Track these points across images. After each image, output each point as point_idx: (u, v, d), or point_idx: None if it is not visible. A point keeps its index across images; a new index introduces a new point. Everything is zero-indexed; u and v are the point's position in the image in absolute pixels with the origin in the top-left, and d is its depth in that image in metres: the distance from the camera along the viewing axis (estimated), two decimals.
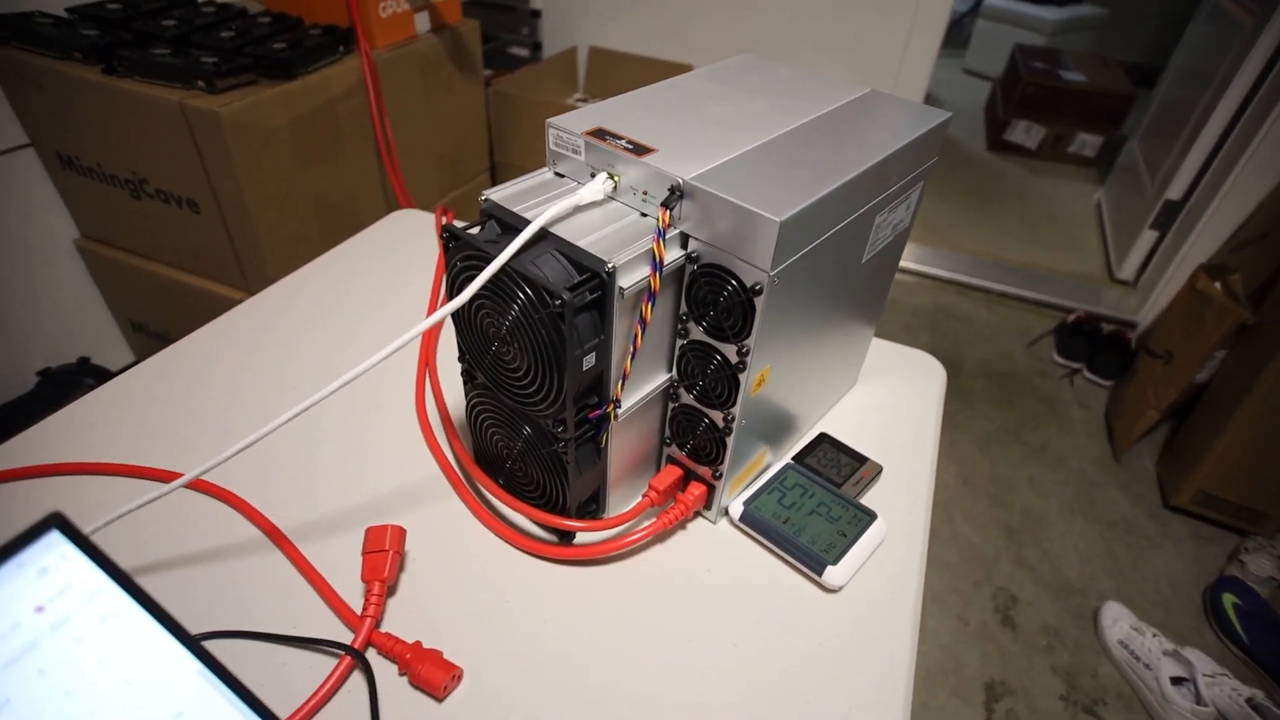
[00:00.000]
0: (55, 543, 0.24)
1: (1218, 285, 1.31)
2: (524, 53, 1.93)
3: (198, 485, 0.49)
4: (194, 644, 0.27)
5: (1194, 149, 1.69)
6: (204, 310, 1.08)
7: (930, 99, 1.62)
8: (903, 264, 2.01)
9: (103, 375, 1.23)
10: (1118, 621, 1.13)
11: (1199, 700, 0.99)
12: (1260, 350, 1.21)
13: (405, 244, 0.76)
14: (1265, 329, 1.23)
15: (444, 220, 0.77)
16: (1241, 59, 1.58)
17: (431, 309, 0.66)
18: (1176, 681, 1.03)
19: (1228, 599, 1.16)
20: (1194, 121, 1.73)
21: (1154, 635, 1.09)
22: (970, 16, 3.34)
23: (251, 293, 0.99)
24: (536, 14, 1.85)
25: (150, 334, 1.31)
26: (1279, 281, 1.26)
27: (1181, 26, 2.16)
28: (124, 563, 0.44)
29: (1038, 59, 2.64)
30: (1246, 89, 1.58)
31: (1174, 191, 1.74)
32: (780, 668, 0.41)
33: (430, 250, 0.74)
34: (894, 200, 0.45)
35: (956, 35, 3.38)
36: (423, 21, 1.25)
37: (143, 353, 1.36)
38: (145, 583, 0.43)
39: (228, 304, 0.66)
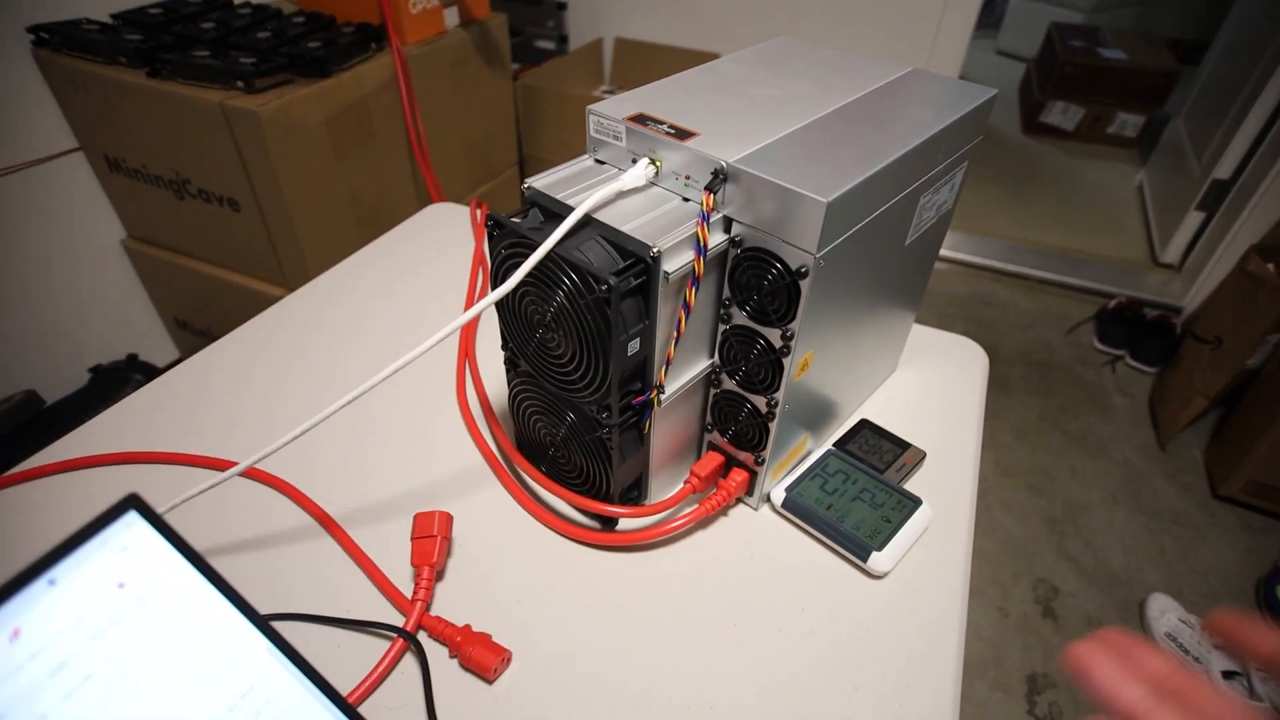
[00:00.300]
0: (133, 522, 0.25)
1: (1270, 266, 1.26)
2: (550, 45, 1.93)
3: (252, 474, 0.50)
4: (263, 623, 0.27)
5: (1244, 126, 1.62)
6: (245, 307, 1.10)
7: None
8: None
9: (150, 371, 1.27)
10: (1165, 614, 1.10)
11: (1252, 695, 0.97)
12: None
13: (440, 237, 0.76)
14: None
15: (478, 213, 0.78)
16: None
17: (469, 299, 0.67)
18: (1228, 675, 1.00)
19: None
20: (1244, 97, 1.67)
21: (1204, 628, 1.06)
22: None
23: (290, 288, 1.02)
24: (563, 6, 1.85)
25: (194, 331, 1.35)
26: None
27: (1227, 0, 2.07)
28: None
29: (1075, 37, 2.56)
30: None
31: (1222, 170, 1.68)
32: (827, 653, 0.41)
33: (465, 242, 0.75)
34: (939, 180, 0.44)
35: (989, 16, 3.29)
36: (452, 17, 1.26)
37: (187, 349, 1.40)
38: None
39: (268, 300, 0.68)
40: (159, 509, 0.41)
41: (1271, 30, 1.65)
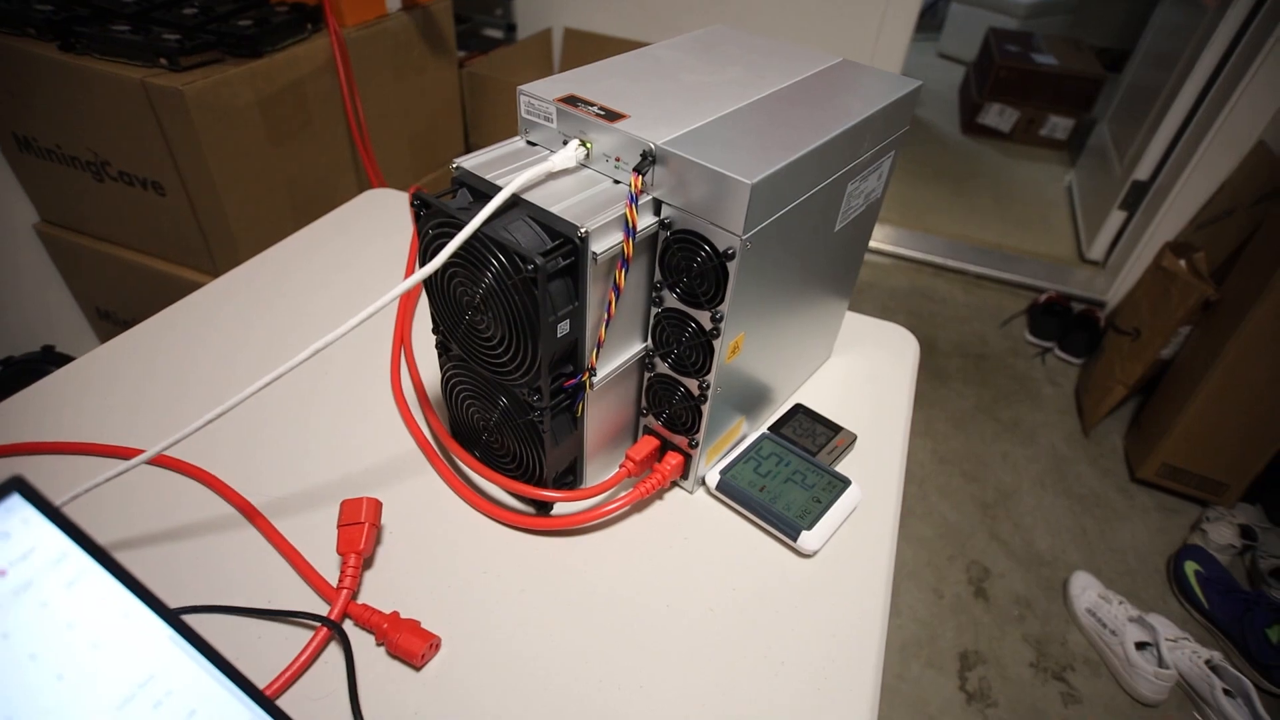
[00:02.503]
0: (16, 507, 0.24)
1: (1183, 263, 1.35)
2: (498, 34, 1.90)
3: (167, 462, 0.48)
4: (163, 609, 0.26)
5: (1160, 130, 1.72)
6: (173, 296, 1.05)
7: None
8: (878, 245, 2.03)
9: (67, 363, 1.20)
10: (1086, 591, 1.16)
11: (1161, 663, 1.03)
12: (1223, 325, 1.25)
13: (377, 223, 0.74)
14: (1227, 305, 1.27)
15: None
16: (1205, 41, 1.61)
17: None
18: (1141, 646, 1.07)
19: (1190, 566, 1.19)
20: (1161, 103, 1.76)
21: (1120, 603, 1.12)
22: (944, 0, 3.36)
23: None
24: None
25: (118, 321, 1.28)
26: (1241, 258, 1.30)
27: (1150, 10, 2.19)
28: (98, 539, 0.43)
29: (1011, 42, 2.67)
30: (1210, 71, 1.62)
31: (1141, 172, 1.78)
32: (756, 631, 0.42)
33: (403, 228, 0.74)
34: (866, 168, 0.45)
35: (931, 19, 3.40)
36: (393, 0, 1.22)
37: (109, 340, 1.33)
38: (119, 560, 0.42)
39: (196, 288, 0.65)
40: (62, 499, 0.39)
41: (1184, 40, 1.75)
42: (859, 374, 0.61)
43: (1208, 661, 1.01)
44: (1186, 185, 1.59)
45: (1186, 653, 1.02)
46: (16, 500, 0.24)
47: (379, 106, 1.24)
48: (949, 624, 1.15)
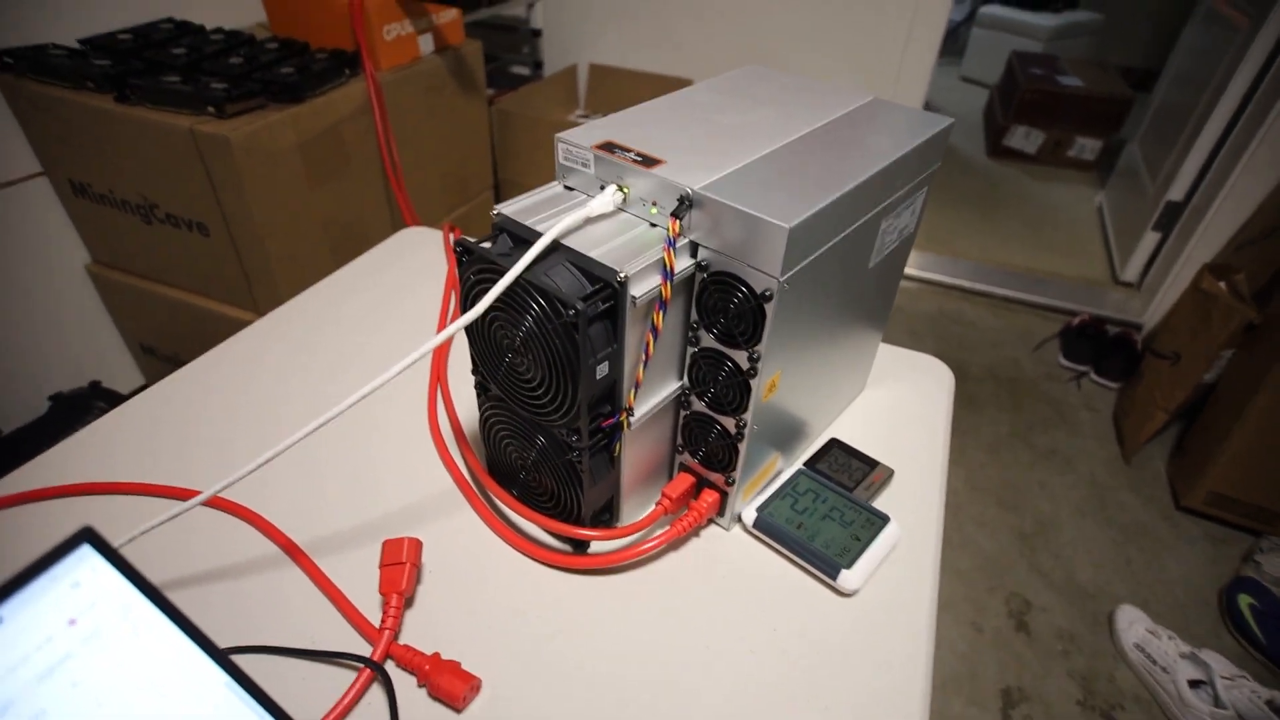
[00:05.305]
0: (86, 556, 0.25)
1: (1223, 285, 1.31)
2: (525, 71, 1.95)
3: (215, 503, 0.49)
4: (221, 657, 0.27)
5: (1194, 150, 1.69)
6: (215, 333, 1.09)
7: (929, 107, 1.66)
8: (907, 271, 2.02)
9: (114, 398, 1.24)
10: (1133, 625, 1.12)
11: (1218, 703, 0.98)
12: (1268, 349, 1.21)
13: (412, 260, 0.76)
14: (1272, 327, 1.23)
15: (451, 237, 0.78)
16: (1238, 61, 1.59)
17: (441, 323, 0.67)
18: (1194, 684, 1.02)
19: (1244, 600, 1.15)
20: (1193, 123, 1.74)
21: (1170, 638, 1.08)
22: (966, 25, 3.38)
23: (262, 314, 1.00)
24: (537, 33, 1.88)
25: (161, 357, 1.32)
26: None
27: (1176, 30, 2.18)
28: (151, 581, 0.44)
29: (1035, 65, 2.66)
30: (1244, 89, 1.59)
31: (1175, 192, 1.75)
32: (798, 673, 0.41)
33: (437, 266, 0.75)
34: (899, 205, 0.46)
35: (952, 44, 3.41)
36: (426, 43, 1.27)
37: (153, 376, 1.37)
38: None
39: (238, 326, 0.67)
40: (118, 541, 0.40)
41: (1215, 60, 1.73)
42: (893, 407, 0.61)
43: (1269, 702, 0.96)
44: (1223, 206, 1.56)
45: (1245, 692, 0.97)
46: (86, 550, 0.25)
47: (412, 145, 1.28)
48: (989, 659, 1.12)
